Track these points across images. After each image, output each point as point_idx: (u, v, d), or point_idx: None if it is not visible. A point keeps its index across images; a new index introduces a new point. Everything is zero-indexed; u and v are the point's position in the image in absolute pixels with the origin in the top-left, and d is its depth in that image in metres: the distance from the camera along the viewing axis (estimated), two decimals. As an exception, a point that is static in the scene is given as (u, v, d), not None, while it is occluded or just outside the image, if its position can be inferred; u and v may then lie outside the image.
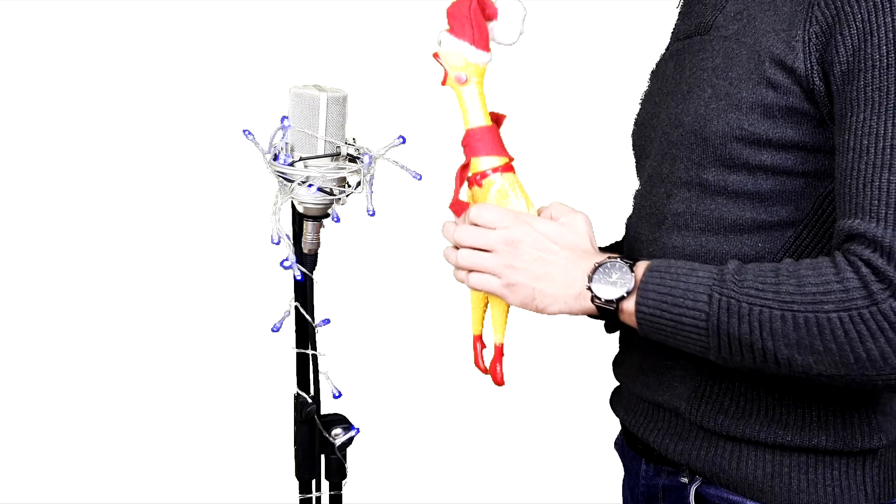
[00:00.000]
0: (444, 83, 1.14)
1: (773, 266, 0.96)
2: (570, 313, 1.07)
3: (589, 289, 1.03)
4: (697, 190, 1.07)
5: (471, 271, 1.10)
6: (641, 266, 1.02)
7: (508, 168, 1.13)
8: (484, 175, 1.13)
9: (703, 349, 0.98)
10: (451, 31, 1.12)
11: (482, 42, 1.12)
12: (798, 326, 0.92)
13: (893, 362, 0.89)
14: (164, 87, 2.52)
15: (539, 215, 1.13)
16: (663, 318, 0.99)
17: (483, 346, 1.21)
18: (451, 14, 1.13)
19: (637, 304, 1.00)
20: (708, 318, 0.96)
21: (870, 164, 0.92)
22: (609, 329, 1.25)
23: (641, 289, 1.00)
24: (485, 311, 1.21)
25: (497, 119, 1.16)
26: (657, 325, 1.00)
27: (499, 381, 1.20)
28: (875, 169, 0.92)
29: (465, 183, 1.15)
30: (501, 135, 1.16)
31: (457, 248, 1.11)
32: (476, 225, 1.09)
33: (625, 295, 1.01)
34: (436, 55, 1.14)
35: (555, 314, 1.07)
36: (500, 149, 1.14)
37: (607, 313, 1.03)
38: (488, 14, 1.13)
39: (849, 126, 0.94)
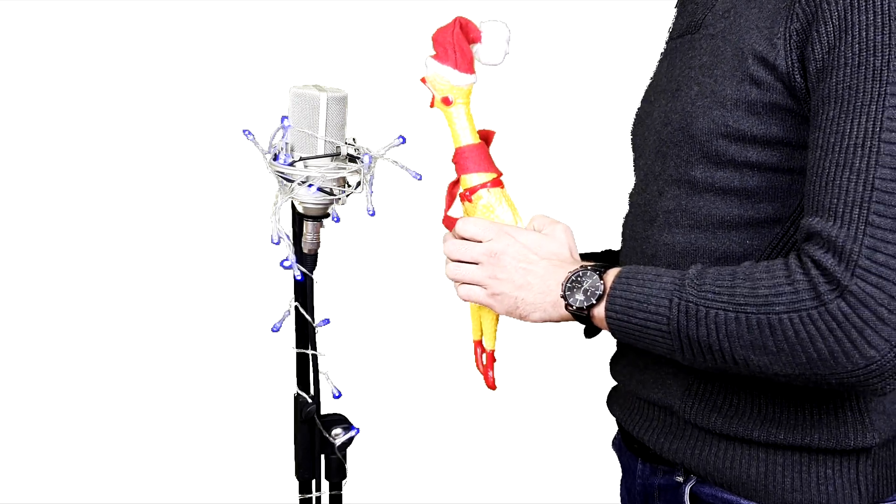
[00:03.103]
0: (431, 105, 1.19)
1: (732, 269, 0.98)
2: (551, 320, 1.12)
3: (563, 297, 1.07)
4: (687, 187, 1.08)
5: (460, 283, 1.16)
6: (611, 273, 1.06)
7: (497, 183, 1.19)
8: (473, 191, 1.18)
9: (669, 351, 1.01)
10: (436, 56, 1.17)
11: (465, 65, 1.16)
12: (751, 328, 0.94)
13: (844, 361, 0.90)
14: (165, 87, 2.53)
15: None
16: (630, 322, 1.02)
17: (483, 350, 1.26)
18: (436, 40, 1.17)
19: (606, 309, 1.04)
20: (669, 322, 0.99)
21: (833, 163, 0.93)
22: (588, 334, 1.28)
23: (610, 295, 1.04)
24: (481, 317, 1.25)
25: (486, 136, 1.21)
26: (626, 330, 1.03)
27: (491, 386, 1.26)
28: (837, 167, 0.93)
29: (458, 199, 1.20)
30: (490, 151, 1.20)
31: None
32: (463, 238, 1.15)
33: (594, 302, 1.05)
34: (423, 79, 1.18)
35: (537, 322, 1.12)
36: (489, 165, 1.19)
37: (582, 319, 1.07)
38: (472, 38, 1.17)
39: (819, 123, 0.95)
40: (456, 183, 1.20)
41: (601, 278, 1.05)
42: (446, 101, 1.17)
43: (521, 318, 1.12)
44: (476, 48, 1.18)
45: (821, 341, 0.91)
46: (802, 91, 0.98)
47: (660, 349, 1.02)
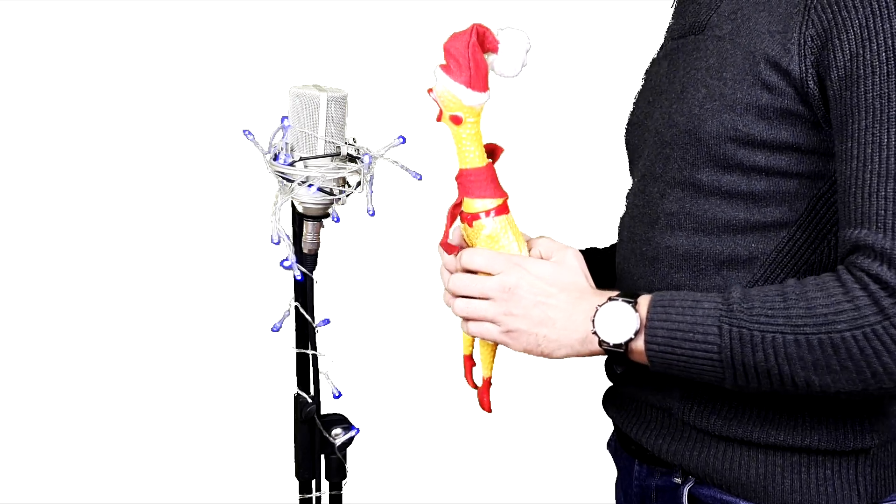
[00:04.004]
0: (438, 119, 1.10)
1: (779, 289, 0.96)
2: (578, 356, 1.06)
3: (595, 333, 1.02)
4: (691, 190, 1.07)
5: (469, 319, 1.10)
6: (644, 302, 1.01)
7: (502, 209, 1.11)
8: (476, 217, 1.11)
9: (717, 379, 0.98)
10: (447, 69, 1.06)
11: (479, 83, 1.06)
12: (813, 348, 0.92)
13: None
14: (165, 87, 2.53)
15: (529, 251, 1.12)
16: (674, 354, 0.98)
17: (473, 364, 1.21)
18: (449, 51, 1.06)
19: (646, 342, 1.00)
20: (721, 350, 0.96)
21: (874, 174, 0.92)
22: (617, 367, 1.22)
23: (648, 327, 0.99)
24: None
25: (494, 152, 1.14)
26: (669, 362, 0.99)
27: (486, 409, 1.20)
28: (880, 178, 0.92)
29: (458, 218, 1.14)
30: (497, 171, 1.13)
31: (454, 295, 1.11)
32: (468, 270, 1.10)
33: (632, 336, 1.00)
34: (430, 90, 1.09)
35: (561, 358, 1.06)
36: (494, 189, 1.11)
37: (617, 355, 1.03)
38: (489, 47, 1.07)
39: (851, 134, 0.94)
40: (458, 205, 1.13)
41: (634, 309, 1.01)
42: (456, 120, 1.08)
43: (543, 355, 1.06)
44: (491, 58, 1.08)
45: (887, 356, 0.90)
46: (815, 97, 0.97)
47: (707, 377, 0.99)
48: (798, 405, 1.05)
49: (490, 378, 1.20)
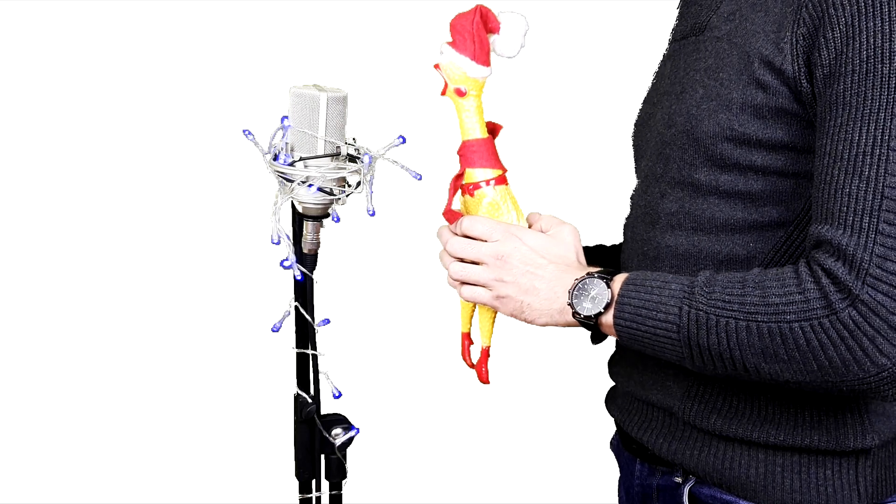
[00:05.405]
0: (443, 93, 1.17)
1: (741, 277, 0.98)
2: (557, 325, 1.11)
3: (570, 304, 1.07)
4: (690, 190, 1.08)
5: (463, 283, 1.15)
6: (618, 280, 1.05)
7: (502, 180, 1.18)
8: (477, 186, 1.17)
9: (679, 359, 1.01)
10: (453, 44, 1.15)
11: (483, 57, 1.15)
12: (762, 336, 0.94)
13: (855, 369, 0.91)
14: (165, 87, 2.53)
15: (530, 226, 1.18)
16: (639, 330, 1.02)
17: (471, 342, 1.25)
18: (454, 27, 1.15)
19: (614, 317, 1.04)
20: (679, 329, 0.99)
21: (842, 170, 0.93)
22: (595, 340, 1.27)
23: (618, 303, 1.04)
24: (473, 310, 1.25)
25: (493, 129, 1.20)
26: (635, 337, 1.03)
27: (484, 380, 1.25)
28: (847, 175, 0.93)
29: (459, 191, 1.19)
30: (497, 146, 1.19)
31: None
32: (468, 237, 1.14)
33: (602, 310, 1.04)
34: (437, 66, 1.17)
35: (543, 326, 1.13)
36: (495, 160, 1.18)
37: (589, 326, 1.07)
38: (491, 27, 1.16)
39: (826, 130, 0.95)
40: (460, 176, 1.19)
41: (608, 285, 1.05)
42: (459, 93, 1.16)
43: (527, 321, 1.12)
44: (493, 38, 1.17)
45: (832, 350, 0.91)
46: (808, 96, 0.98)
47: (669, 356, 1.02)
48: (798, 405, 1.05)
49: (489, 348, 1.24)
